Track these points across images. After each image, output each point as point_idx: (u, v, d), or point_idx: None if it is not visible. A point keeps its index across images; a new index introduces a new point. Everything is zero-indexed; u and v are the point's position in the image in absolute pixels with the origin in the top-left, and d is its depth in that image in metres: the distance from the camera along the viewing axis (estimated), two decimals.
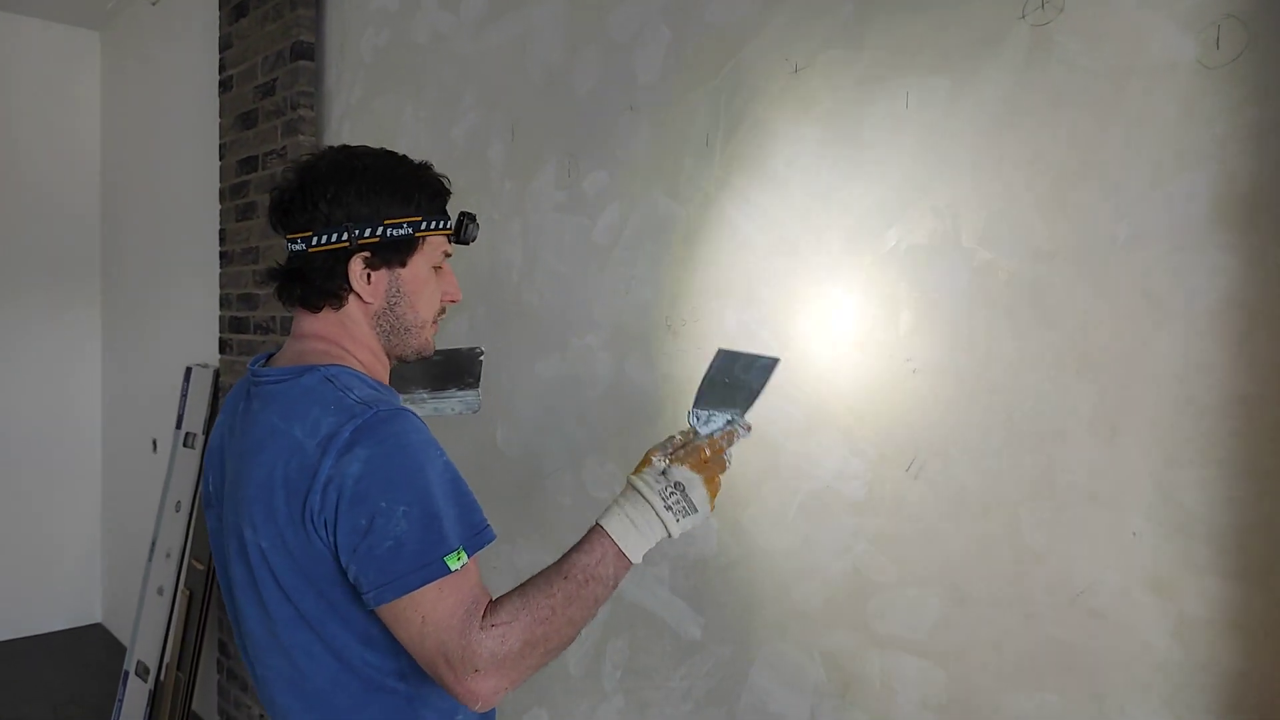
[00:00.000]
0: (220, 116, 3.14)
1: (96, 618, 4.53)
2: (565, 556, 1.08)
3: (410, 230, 1.14)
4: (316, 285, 1.14)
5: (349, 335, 1.16)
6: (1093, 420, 1.15)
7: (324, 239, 1.12)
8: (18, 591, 4.30)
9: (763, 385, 1.21)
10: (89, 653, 4.17)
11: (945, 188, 1.30)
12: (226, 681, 3.17)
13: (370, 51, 2.56)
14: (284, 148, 2.80)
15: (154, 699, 3.20)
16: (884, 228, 1.38)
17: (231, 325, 3.11)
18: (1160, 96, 1.10)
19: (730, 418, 1.19)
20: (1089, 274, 1.16)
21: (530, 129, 2.03)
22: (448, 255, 1.21)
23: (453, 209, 1.23)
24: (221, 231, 3.15)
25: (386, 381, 1.21)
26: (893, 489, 1.36)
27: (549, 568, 1.08)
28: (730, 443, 1.17)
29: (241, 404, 1.17)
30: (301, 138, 2.75)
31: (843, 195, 1.43)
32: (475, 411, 1.66)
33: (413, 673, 1.10)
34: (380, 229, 1.12)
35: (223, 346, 3.16)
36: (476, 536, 1.04)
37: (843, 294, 1.43)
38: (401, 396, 1.33)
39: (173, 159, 3.76)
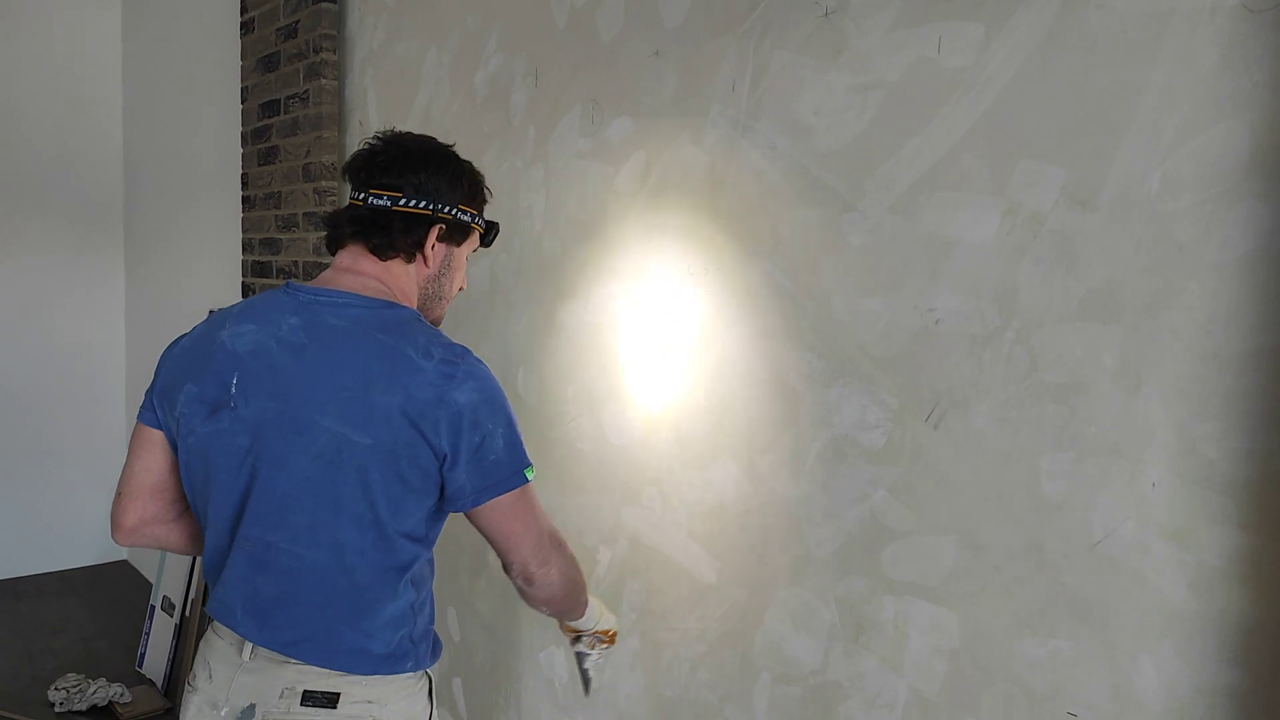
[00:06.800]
0: (242, 59, 3.13)
1: (123, 554, 4.64)
2: None
3: (470, 220, 1.39)
4: (395, 238, 1.32)
5: (401, 288, 1.34)
6: (1117, 371, 1.15)
7: (411, 203, 1.31)
8: (46, 529, 4.41)
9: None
10: (116, 588, 4.28)
11: (976, 135, 1.29)
12: None
13: None
14: (306, 91, 2.79)
15: (180, 633, 3.29)
16: (912, 176, 1.36)
17: (254, 269, 3.13)
18: (1200, 42, 1.07)
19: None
20: (1119, 223, 1.15)
21: (554, 74, 2.01)
22: (473, 251, 1.46)
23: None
24: (244, 176, 3.15)
25: None
26: (912, 438, 1.37)
27: None
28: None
29: (295, 318, 1.24)
30: (324, 81, 2.73)
31: (870, 143, 1.42)
32: None
33: (424, 580, 1.34)
34: (455, 211, 1.35)
35: (245, 291, 3.19)
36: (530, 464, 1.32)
37: (867, 243, 1.43)
38: None
39: (194, 102, 3.75)
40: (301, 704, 1.20)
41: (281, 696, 1.21)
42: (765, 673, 1.60)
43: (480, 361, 1.27)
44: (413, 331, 1.25)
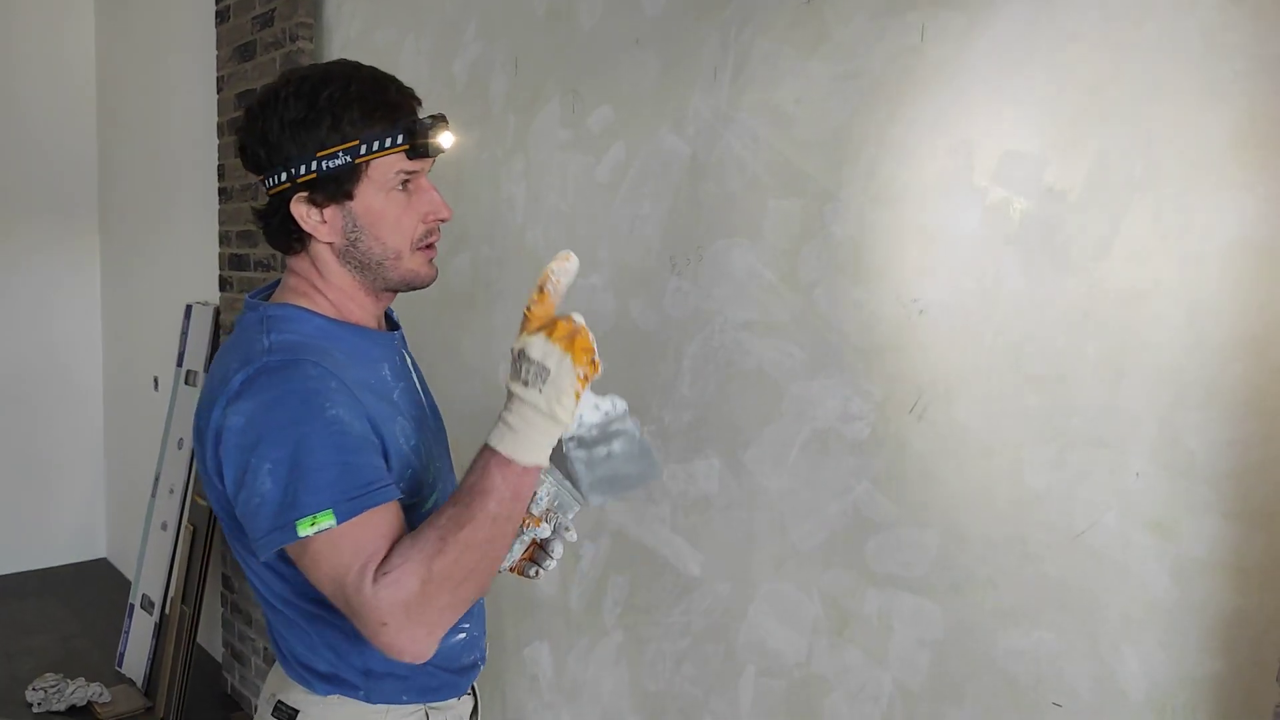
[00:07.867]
0: (217, 48, 3.08)
1: (101, 552, 4.59)
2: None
3: (348, 159, 1.03)
4: (274, 229, 1.09)
5: (320, 275, 1.11)
6: (1099, 362, 1.15)
7: (271, 182, 1.07)
8: (24, 526, 4.35)
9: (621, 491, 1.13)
10: (95, 587, 4.23)
11: (958, 125, 1.28)
12: (230, 615, 3.22)
13: None
14: None
15: (159, 631, 3.25)
16: (895, 166, 1.35)
17: (231, 263, 3.09)
18: (1183, 30, 1.07)
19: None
20: (1103, 212, 1.14)
21: (533, 62, 1.99)
22: (411, 173, 1.07)
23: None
24: (220, 167, 3.11)
25: (372, 320, 1.16)
26: (895, 429, 1.36)
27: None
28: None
29: None
30: None
31: (853, 132, 1.41)
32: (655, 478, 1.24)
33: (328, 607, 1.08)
34: (314, 163, 1.03)
35: (223, 284, 3.15)
36: (356, 500, 0.97)
37: (850, 233, 1.42)
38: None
39: (170, 92, 3.70)
40: (272, 713, 1.19)
41: (268, 700, 1.21)
42: (750, 666, 1.60)
43: (287, 370, 1.00)
44: (236, 343, 1.06)
